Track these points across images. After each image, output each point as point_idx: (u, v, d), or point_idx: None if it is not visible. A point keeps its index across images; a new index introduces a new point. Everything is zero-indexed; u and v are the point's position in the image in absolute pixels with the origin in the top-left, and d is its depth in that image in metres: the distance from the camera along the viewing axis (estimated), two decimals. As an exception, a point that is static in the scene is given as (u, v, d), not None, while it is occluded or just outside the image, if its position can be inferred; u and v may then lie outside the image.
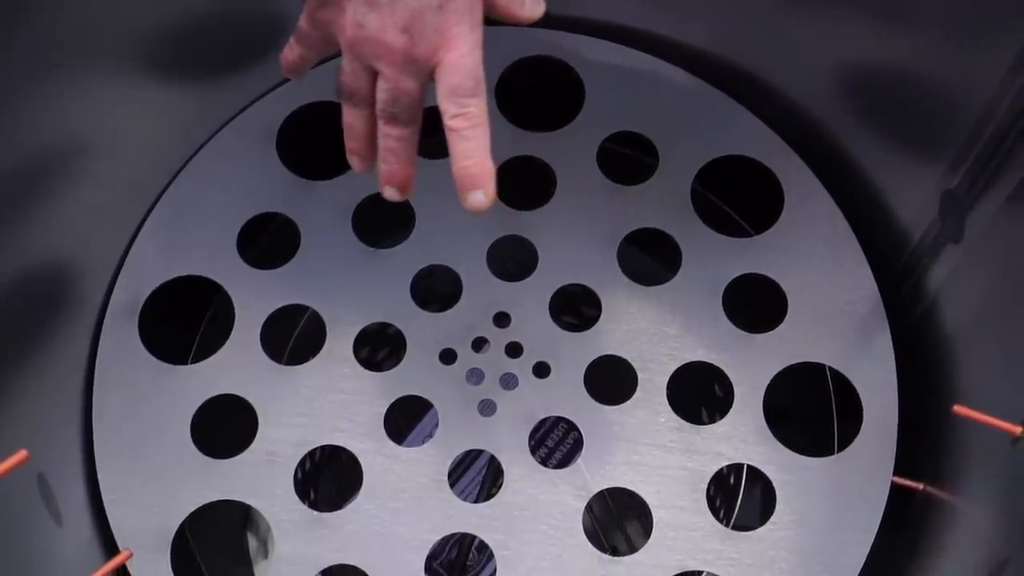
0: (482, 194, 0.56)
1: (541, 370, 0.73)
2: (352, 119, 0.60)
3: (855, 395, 0.72)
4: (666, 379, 0.72)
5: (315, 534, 0.70)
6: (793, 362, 0.72)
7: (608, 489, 0.71)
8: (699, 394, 0.78)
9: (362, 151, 0.61)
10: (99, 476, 0.71)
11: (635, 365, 0.73)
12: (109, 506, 0.70)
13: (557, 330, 0.74)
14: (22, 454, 0.57)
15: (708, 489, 0.70)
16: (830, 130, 0.76)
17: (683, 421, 0.72)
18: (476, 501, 0.71)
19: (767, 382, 0.72)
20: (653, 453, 0.71)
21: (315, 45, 0.61)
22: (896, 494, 0.70)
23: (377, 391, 0.72)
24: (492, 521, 0.70)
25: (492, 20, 0.59)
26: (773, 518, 0.70)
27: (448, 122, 0.56)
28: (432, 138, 0.60)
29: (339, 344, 0.73)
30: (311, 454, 0.72)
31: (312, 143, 0.78)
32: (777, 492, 0.70)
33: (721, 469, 0.71)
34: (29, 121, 0.64)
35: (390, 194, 0.60)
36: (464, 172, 0.56)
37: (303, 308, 0.75)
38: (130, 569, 0.69)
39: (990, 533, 0.63)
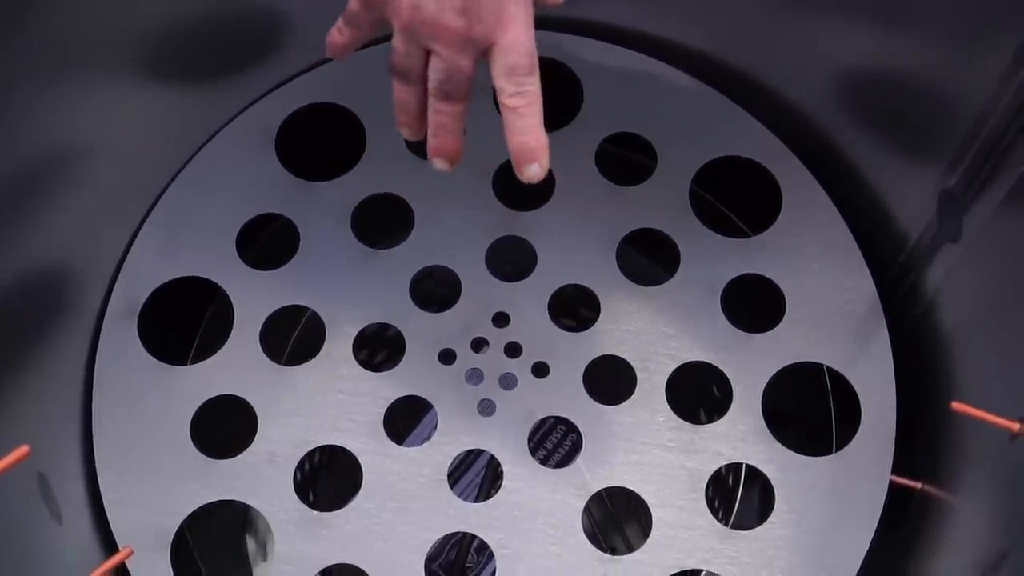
0: (537, 166, 0.58)
1: (540, 370, 0.73)
2: (405, 96, 0.61)
3: (853, 394, 0.72)
4: (665, 379, 0.72)
5: (315, 534, 0.70)
6: (791, 362, 0.72)
7: (607, 489, 0.71)
8: (698, 394, 0.79)
9: (413, 124, 0.62)
10: (99, 476, 0.71)
11: (634, 365, 0.73)
12: (109, 506, 0.70)
13: (556, 330, 0.74)
14: (24, 449, 0.57)
15: (707, 488, 0.70)
16: (828, 131, 0.76)
17: (682, 421, 0.72)
18: (476, 501, 0.71)
19: (765, 382, 0.72)
20: (652, 453, 0.71)
21: (365, 27, 0.62)
22: (894, 493, 0.70)
23: (376, 391, 0.73)
24: (491, 521, 0.70)
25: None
26: (772, 517, 0.70)
27: (505, 100, 0.57)
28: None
29: (338, 344, 0.73)
30: (311, 454, 0.72)
31: (311, 144, 0.78)
32: (776, 491, 0.70)
33: (720, 468, 0.71)
34: (27, 122, 0.64)
35: (440, 165, 0.61)
36: (523, 146, 0.58)
37: (302, 309, 0.75)
38: (130, 569, 0.69)
39: (988, 531, 0.63)
